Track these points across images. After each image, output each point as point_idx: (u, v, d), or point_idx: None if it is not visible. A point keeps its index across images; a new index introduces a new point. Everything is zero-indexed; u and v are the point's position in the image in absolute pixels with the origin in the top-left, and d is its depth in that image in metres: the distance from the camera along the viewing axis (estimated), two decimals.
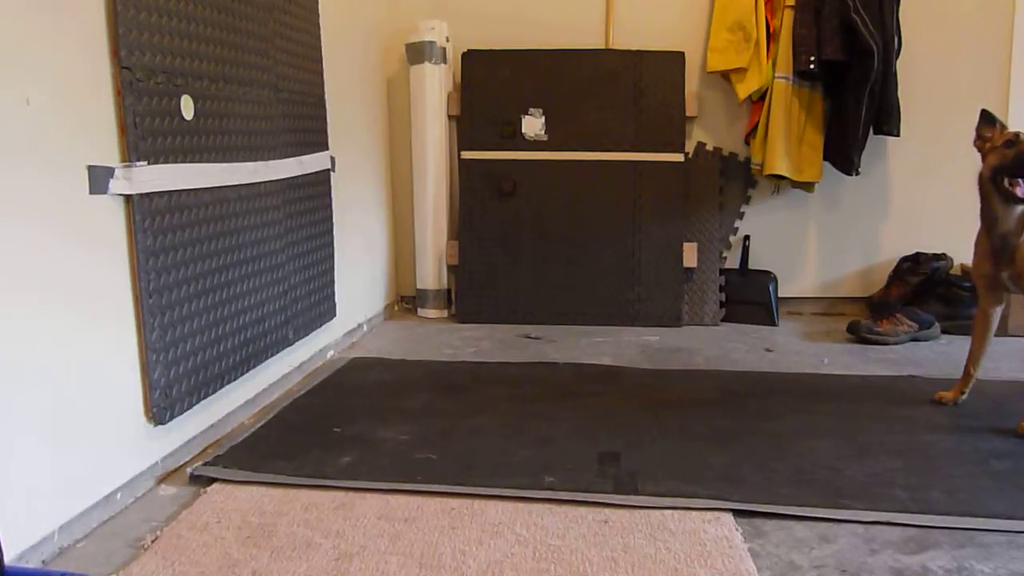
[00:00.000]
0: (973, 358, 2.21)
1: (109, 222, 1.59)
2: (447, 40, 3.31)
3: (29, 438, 1.39)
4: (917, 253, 3.26)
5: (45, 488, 1.43)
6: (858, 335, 2.97)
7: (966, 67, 3.27)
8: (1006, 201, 1.99)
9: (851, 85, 3.03)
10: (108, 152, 1.58)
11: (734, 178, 3.39)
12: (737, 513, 1.59)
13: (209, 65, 1.89)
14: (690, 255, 3.27)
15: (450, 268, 3.44)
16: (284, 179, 2.30)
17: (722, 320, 3.31)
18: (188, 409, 1.81)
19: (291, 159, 2.35)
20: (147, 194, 1.65)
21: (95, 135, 1.54)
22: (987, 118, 2.07)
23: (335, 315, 2.73)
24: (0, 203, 1.32)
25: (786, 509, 1.59)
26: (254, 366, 2.13)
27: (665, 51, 3.28)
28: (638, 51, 3.28)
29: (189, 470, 1.78)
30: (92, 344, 1.54)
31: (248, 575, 1.38)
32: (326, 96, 2.61)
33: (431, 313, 3.43)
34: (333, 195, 2.69)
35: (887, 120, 3.10)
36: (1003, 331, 3.08)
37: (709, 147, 3.39)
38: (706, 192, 3.35)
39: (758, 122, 3.19)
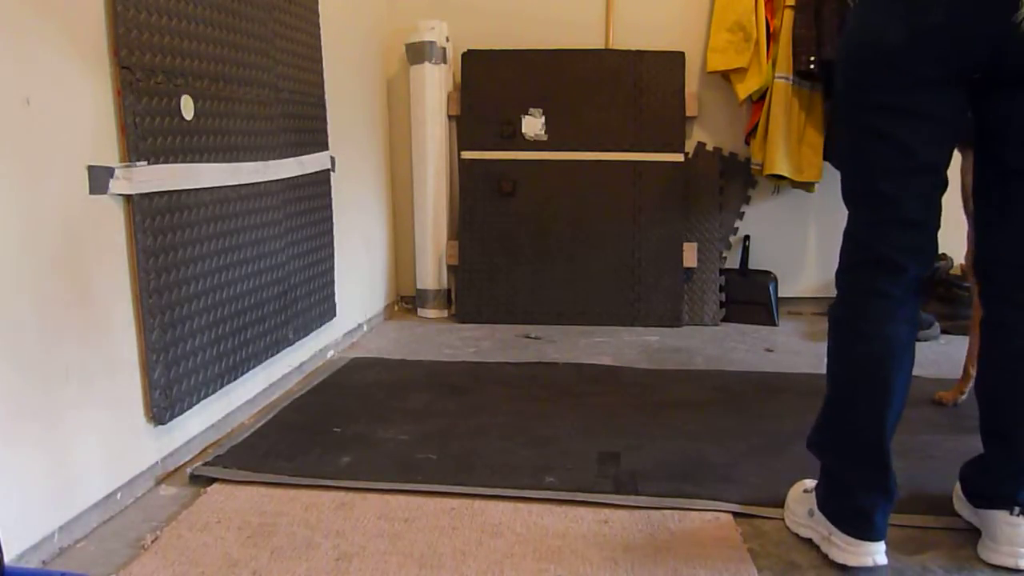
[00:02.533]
0: (973, 357, 2.21)
1: (109, 222, 1.59)
2: (447, 40, 3.31)
3: (29, 438, 1.39)
4: None
5: (45, 488, 1.43)
6: None
7: None
8: None
9: None
10: (108, 152, 1.58)
11: (734, 178, 3.39)
12: (737, 513, 1.59)
13: (209, 65, 1.89)
14: (690, 255, 3.27)
15: (450, 268, 3.44)
16: (284, 179, 2.30)
17: (722, 320, 3.31)
18: (188, 409, 1.81)
19: (291, 159, 2.35)
20: (147, 194, 1.65)
21: (95, 135, 1.54)
22: None
23: (335, 315, 2.73)
24: (0, 203, 1.32)
25: None
26: (254, 366, 2.13)
27: (665, 51, 3.28)
28: (638, 51, 3.28)
29: (189, 470, 1.78)
30: (92, 344, 1.54)
31: (248, 575, 1.38)
32: (326, 96, 2.61)
33: (431, 313, 3.43)
34: (333, 195, 2.69)
35: None
36: None
37: (709, 147, 3.39)
38: (706, 192, 3.35)
39: (758, 122, 3.18)
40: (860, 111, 1.37)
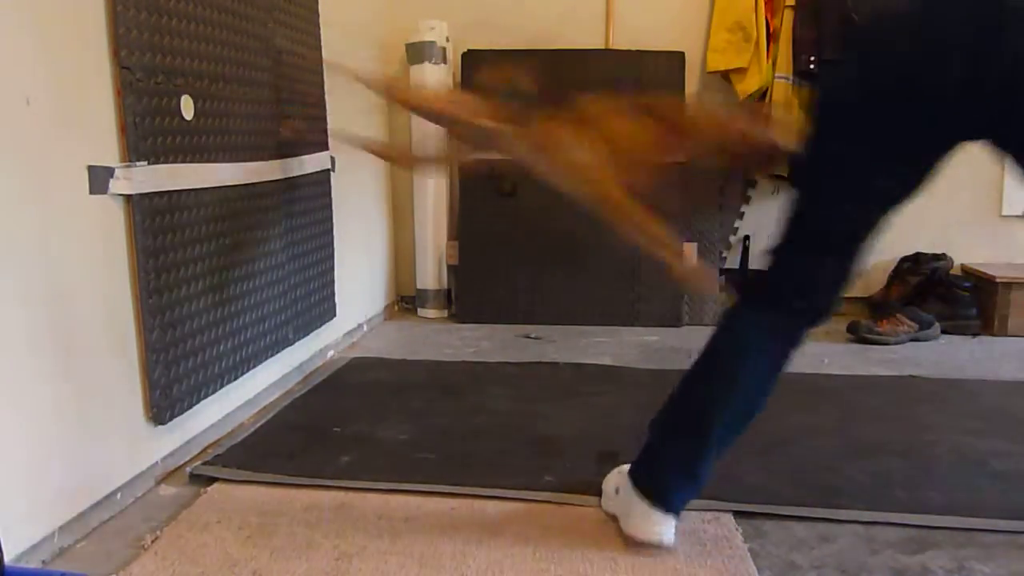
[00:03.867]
0: None
1: (109, 222, 1.59)
2: (447, 40, 3.31)
3: (29, 438, 1.39)
4: (917, 253, 3.26)
5: (45, 488, 1.43)
6: (858, 335, 2.97)
7: None
8: None
9: None
10: (108, 152, 1.57)
11: (734, 178, 3.39)
12: (737, 513, 1.59)
13: (209, 65, 1.89)
14: (690, 255, 3.26)
15: (450, 268, 3.44)
16: (284, 179, 2.30)
17: None
18: (188, 409, 1.81)
19: (291, 159, 2.34)
20: (147, 194, 1.64)
21: (95, 135, 1.54)
22: None
23: (335, 315, 2.73)
24: (0, 203, 1.32)
25: (786, 509, 1.59)
26: (254, 366, 2.13)
27: (665, 51, 3.28)
28: (638, 51, 3.28)
29: (189, 470, 1.77)
30: (92, 344, 1.54)
31: (248, 575, 1.38)
32: (326, 96, 2.61)
33: (431, 313, 3.43)
34: (333, 195, 2.69)
35: None
36: (1003, 331, 3.08)
37: None
38: (706, 192, 3.35)
39: None
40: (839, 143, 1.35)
